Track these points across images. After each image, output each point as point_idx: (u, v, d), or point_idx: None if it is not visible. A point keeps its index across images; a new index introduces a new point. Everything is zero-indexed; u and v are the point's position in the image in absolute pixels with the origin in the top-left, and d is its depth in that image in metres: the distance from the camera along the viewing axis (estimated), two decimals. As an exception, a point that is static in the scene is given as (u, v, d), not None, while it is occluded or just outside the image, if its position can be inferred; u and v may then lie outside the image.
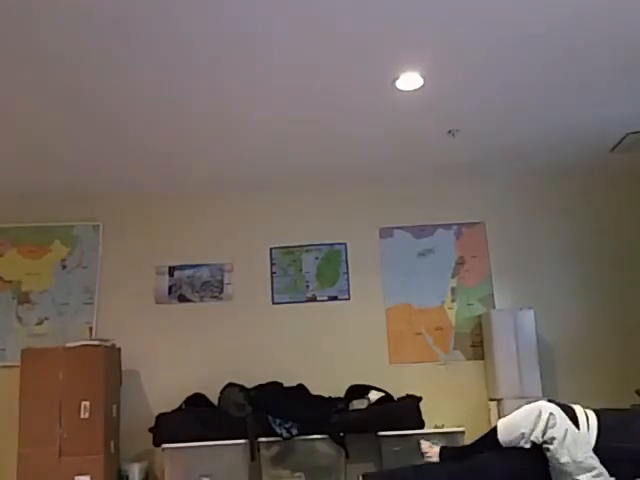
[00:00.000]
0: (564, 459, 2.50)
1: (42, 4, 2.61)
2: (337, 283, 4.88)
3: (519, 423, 2.65)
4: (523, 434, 2.61)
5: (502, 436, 2.67)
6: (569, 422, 2.59)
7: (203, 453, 4.02)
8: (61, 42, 2.89)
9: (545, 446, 2.56)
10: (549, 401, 2.76)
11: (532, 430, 2.59)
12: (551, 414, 2.59)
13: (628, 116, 3.99)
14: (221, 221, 5.01)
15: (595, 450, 2.54)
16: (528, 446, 2.60)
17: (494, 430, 2.72)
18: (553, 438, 2.53)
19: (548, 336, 4.66)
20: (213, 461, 4.02)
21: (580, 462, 2.49)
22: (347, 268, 4.91)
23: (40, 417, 4.04)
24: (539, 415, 2.60)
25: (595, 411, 2.69)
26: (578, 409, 2.69)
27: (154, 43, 2.94)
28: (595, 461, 2.50)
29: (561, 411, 2.63)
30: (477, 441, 2.90)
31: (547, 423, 2.57)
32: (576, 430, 2.57)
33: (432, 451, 2.95)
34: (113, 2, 2.62)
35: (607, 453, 2.52)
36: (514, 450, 2.63)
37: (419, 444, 3.04)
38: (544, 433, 2.56)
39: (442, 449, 2.94)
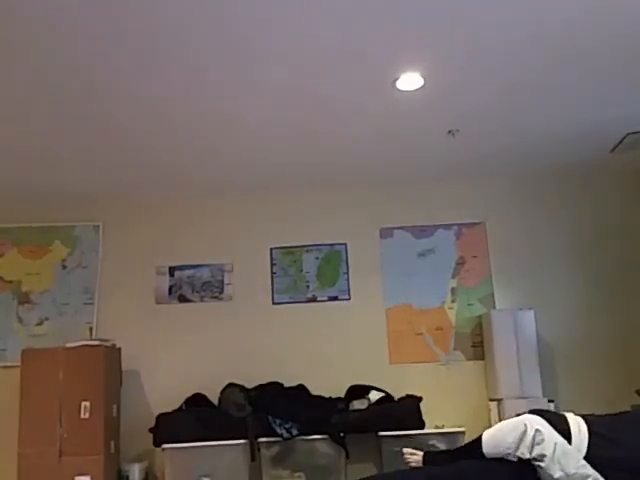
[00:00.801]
0: (557, 474, 2.44)
1: (42, 4, 2.61)
2: (337, 283, 4.88)
3: (504, 437, 2.58)
4: (508, 449, 2.54)
5: (487, 448, 2.61)
6: (557, 435, 2.51)
7: (203, 453, 4.02)
8: (61, 42, 2.89)
9: (536, 463, 2.50)
10: (537, 412, 2.68)
11: (517, 447, 2.52)
12: (537, 431, 2.52)
13: (628, 116, 3.99)
14: (221, 221, 5.02)
15: (586, 457, 2.48)
16: (514, 460, 2.54)
17: (479, 440, 2.66)
18: (543, 455, 2.47)
19: (548, 336, 4.66)
20: (213, 461, 4.02)
21: (573, 474, 2.44)
22: (347, 268, 4.91)
23: (40, 417, 4.04)
24: (525, 431, 2.53)
25: (585, 419, 2.62)
26: (571, 418, 2.63)
27: (154, 43, 2.94)
28: (587, 469, 2.45)
29: (549, 425, 2.55)
30: (461, 448, 2.87)
31: (534, 440, 2.50)
32: (565, 442, 2.50)
33: (414, 457, 2.88)
34: (113, 2, 2.62)
35: (600, 461, 2.47)
36: (502, 459, 2.58)
37: (401, 453, 2.98)
38: (531, 450, 2.50)
39: (425, 454, 2.88)
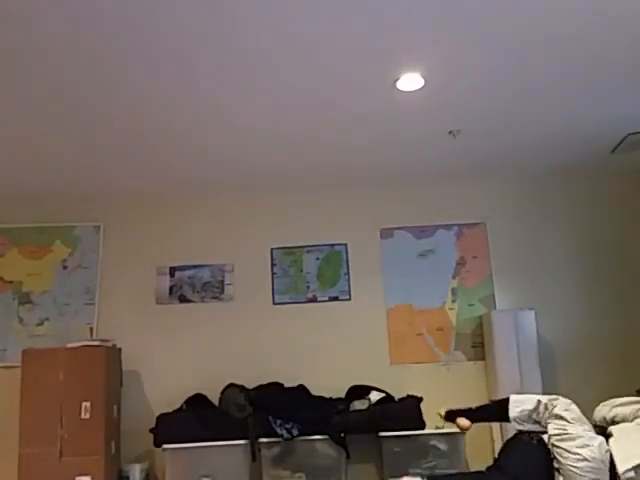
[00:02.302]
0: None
1: (41, 4, 2.61)
2: (338, 284, 4.88)
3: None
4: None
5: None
6: None
7: (204, 453, 4.02)
8: (61, 42, 2.89)
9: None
10: None
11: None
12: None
13: (629, 117, 3.99)
14: (222, 221, 5.02)
15: None
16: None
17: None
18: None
19: (549, 336, 4.66)
20: (214, 461, 4.02)
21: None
22: (348, 269, 4.91)
23: (41, 417, 4.05)
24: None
25: None
26: None
27: (153, 43, 2.94)
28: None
29: None
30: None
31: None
32: None
33: None
34: (112, 2, 2.62)
35: None
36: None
37: None
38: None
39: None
